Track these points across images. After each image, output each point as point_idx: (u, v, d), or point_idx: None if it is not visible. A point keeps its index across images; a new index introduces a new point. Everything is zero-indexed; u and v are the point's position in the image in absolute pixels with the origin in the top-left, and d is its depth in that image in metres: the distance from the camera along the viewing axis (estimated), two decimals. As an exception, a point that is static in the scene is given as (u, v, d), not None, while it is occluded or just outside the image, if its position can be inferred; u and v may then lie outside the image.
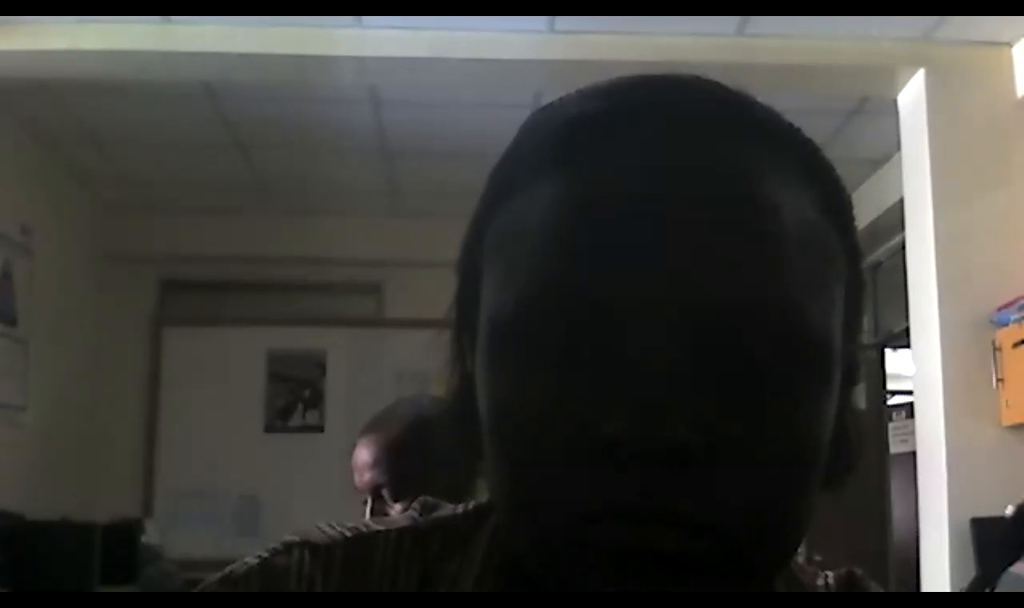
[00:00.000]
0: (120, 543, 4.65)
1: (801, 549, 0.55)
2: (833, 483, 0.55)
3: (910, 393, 4.45)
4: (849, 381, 0.56)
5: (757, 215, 0.49)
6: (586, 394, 0.48)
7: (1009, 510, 3.14)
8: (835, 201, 0.55)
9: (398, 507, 1.82)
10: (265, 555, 0.59)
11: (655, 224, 0.48)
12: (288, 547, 0.60)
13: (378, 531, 0.60)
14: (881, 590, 0.63)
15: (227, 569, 0.60)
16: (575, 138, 0.52)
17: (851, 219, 0.56)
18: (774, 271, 0.49)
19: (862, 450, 0.57)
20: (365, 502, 1.90)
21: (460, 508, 0.62)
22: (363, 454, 1.88)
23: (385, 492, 1.84)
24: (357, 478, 1.90)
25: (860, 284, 0.56)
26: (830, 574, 0.63)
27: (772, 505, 0.49)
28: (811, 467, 0.50)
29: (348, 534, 0.60)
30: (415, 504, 0.67)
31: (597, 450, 0.47)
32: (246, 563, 0.59)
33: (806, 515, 0.51)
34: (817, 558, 0.61)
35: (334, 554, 0.59)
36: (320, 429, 5.90)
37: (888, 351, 5.64)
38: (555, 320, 0.49)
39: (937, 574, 3.57)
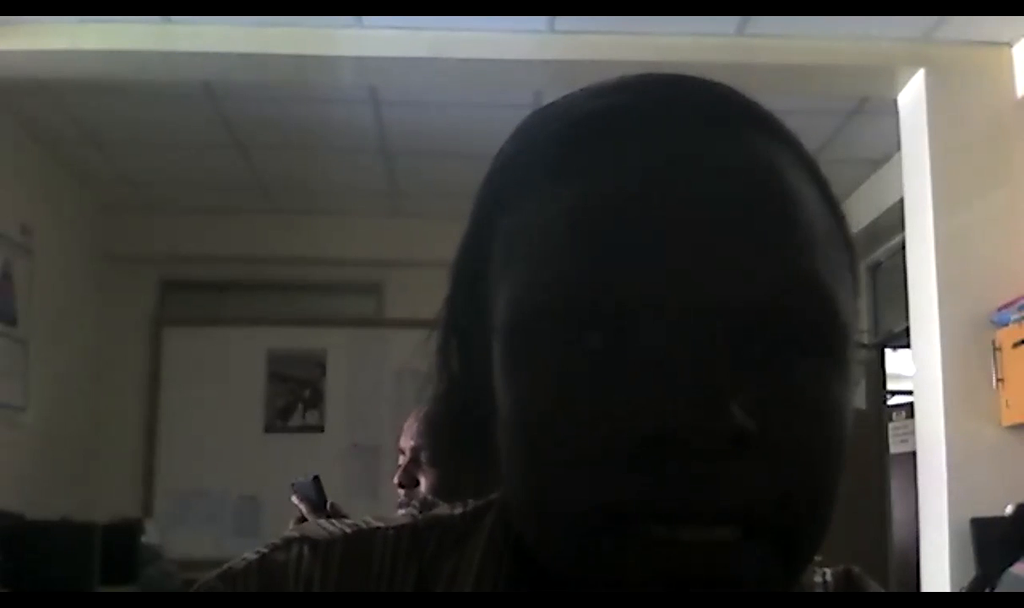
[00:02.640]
0: (120, 543, 4.65)
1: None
2: None
3: (910, 393, 4.45)
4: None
5: (776, 205, 0.50)
6: (622, 394, 0.48)
7: (1009, 509, 3.14)
8: (832, 199, 0.56)
9: (431, 473, 2.03)
10: (265, 551, 0.59)
11: (677, 222, 0.48)
12: (288, 543, 0.59)
13: (377, 528, 0.60)
14: (879, 587, 0.63)
15: (226, 565, 0.59)
16: (585, 138, 0.52)
17: (844, 219, 0.56)
18: (801, 259, 0.49)
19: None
20: (400, 465, 2.16)
21: (458, 507, 0.62)
22: (412, 418, 2.14)
23: (423, 455, 2.05)
24: (402, 440, 2.17)
25: (857, 282, 0.56)
26: (828, 571, 0.62)
27: (815, 494, 0.50)
28: (841, 455, 0.51)
29: (348, 531, 0.60)
30: (415, 502, 0.68)
31: (636, 449, 0.47)
32: (245, 559, 0.59)
33: (836, 498, 0.52)
34: (817, 558, 0.62)
35: (333, 550, 0.58)
36: (320, 429, 5.90)
37: (888, 351, 5.64)
38: (584, 321, 0.49)
39: (937, 574, 3.57)
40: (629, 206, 0.49)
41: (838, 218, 0.55)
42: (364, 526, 0.61)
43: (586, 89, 0.55)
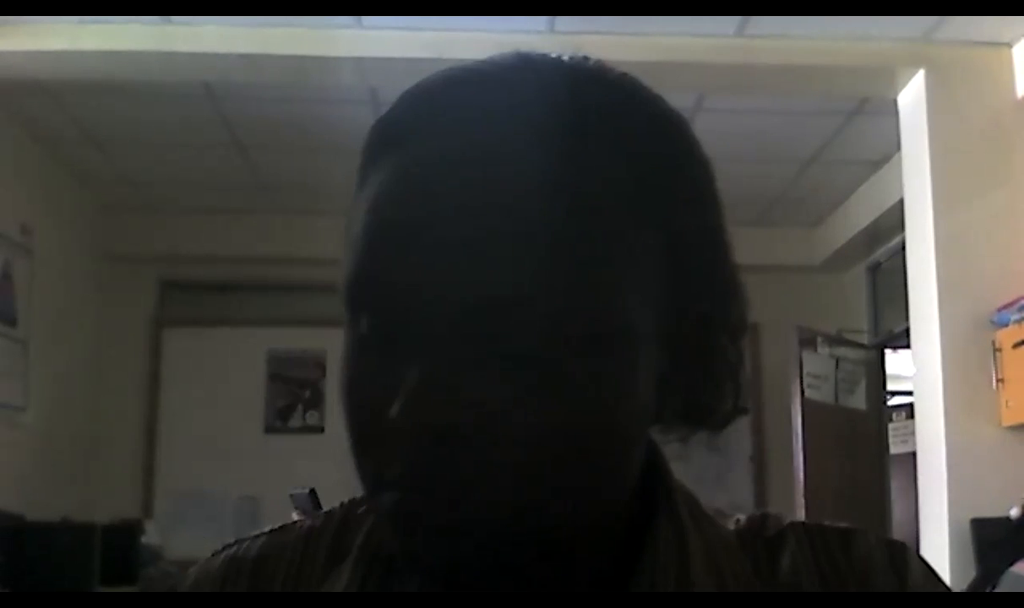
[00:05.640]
0: (120, 543, 4.65)
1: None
2: (704, 426, 0.60)
3: (910, 393, 4.46)
4: (706, 335, 0.58)
5: (510, 210, 0.52)
6: (369, 378, 0.53)
7: (1014, 511, 3.14)
8: (651, 168, 0.56)
9: None
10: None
11: (436, 220, 0.52)
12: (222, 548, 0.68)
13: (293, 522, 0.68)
14: (925, 566, 0.63)
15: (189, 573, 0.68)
16: (379, 139, 0.57)
17: (672, 177, 0.57)
18: (535, 262, 0.51)
19: (731, 395, 0.59)
20: None
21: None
22: None
23: None
24: None
25: (694, 240, 0.57)
26: (742, 517, 0.64)
27: (540, 474, 0.51)
28: (577, 431, 0.52)
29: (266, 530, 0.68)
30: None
31: (385, 428, 0.51)
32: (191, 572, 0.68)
33: (590, 473, 0.53)
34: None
35: (256, 541, 0.66)
36: (320, 429, 5.90)
37: (888, 351, 5.64)
38: (358, 309, 0.55)
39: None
40: (402, 202, 0.53)
41: (652, 182, 0.56)
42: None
43: (423, 82, 0.58)
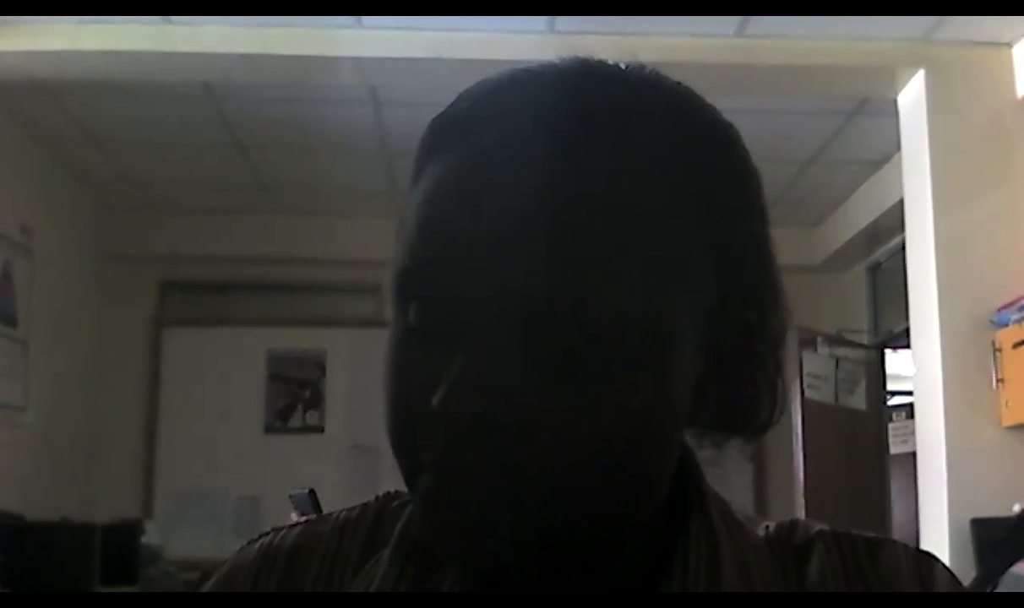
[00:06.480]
0: (120, 543, 4.65)
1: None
2: (737, 433, 0.60)
3: (910, 393, 4.46)
4: (749, 342, 0.59)
5: (580, 211, 0.53)
6: (415, 368, 0.54)
7: (1016, 507, 3.14)
8: (707, 177, 0.57)
9: None
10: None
11: (486, 217, 0.53)
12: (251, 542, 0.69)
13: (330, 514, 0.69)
14: (952, 578, 0.63)
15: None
16: (438, 137, 0.58)
17: (725, 187, 0.58)
18: (585, 263, 0.52)
19: (772, 404, 0.60)
20: None
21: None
22: None
23: None
24: None
25: (744, 251, 0.58)
26: (771, 524, 0.64)
27: (569, 471, 0.52)
28: (615, 431, 0.53)
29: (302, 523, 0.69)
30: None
31: (425, 415, 0.52)
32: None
33: (627, 471, 0.54)
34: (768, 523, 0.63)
35: (287, 537, 0.67)
36: (320, 429, 5.90)
37: (888, 351, 5.64)
38: (407, 299, 0.56)
39: (937, 574, 3.56)
40: (457, 197, 0.54)
41: (707, 191, 0.57)
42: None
43: (464, 91, 0.59)
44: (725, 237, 0.57)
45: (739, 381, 0.59)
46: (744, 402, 0.59)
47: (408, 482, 0.56)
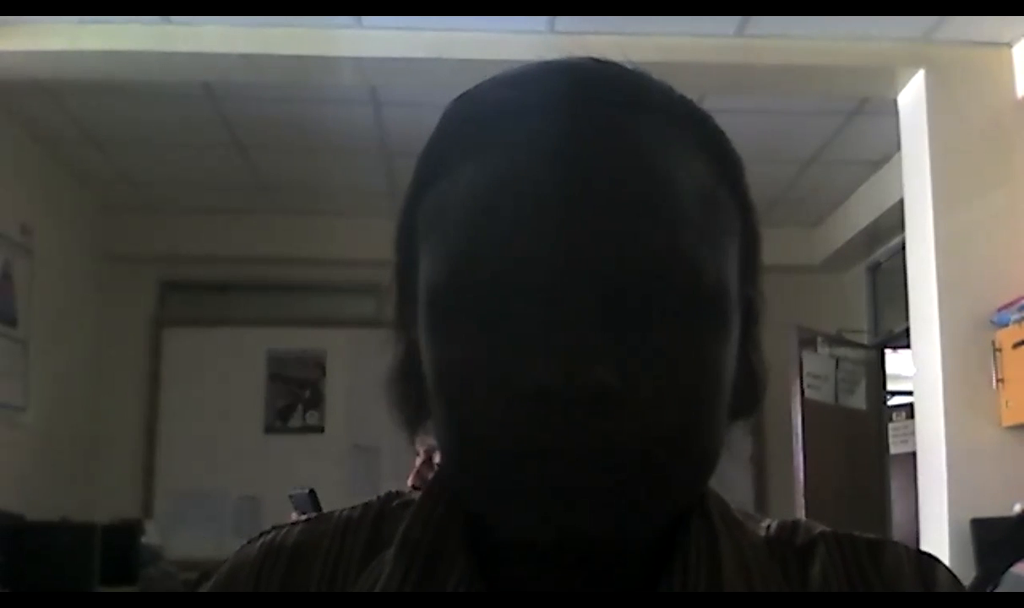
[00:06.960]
0: (120, 543, 4.65)
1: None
2: (742, 413, 0.61)
3: (910, 393, 4.46)
4: (751, 321, 0.61)
5: (653, 181, 0.55)
6: (514, 351, 0.53)
7: (1017, 507, 3.14)
8: (726, 164, 0.60)
9: None
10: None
11: (561, 196, 0.54)
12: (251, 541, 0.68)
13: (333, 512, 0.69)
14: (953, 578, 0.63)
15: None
16: (489, 122, 0.58)
17: (741, 179, 0.61)
18: (670, 230, 0.54)
19: (767, 383, 0.62)
20: (414, 466, 2.23)
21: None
22: None
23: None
24: (418, 440, 2.42)
25: (754, 235, 0.61)
26: (772, 524, 0.65)
27: (680, 435, 0.54)
28: (713, 399, 0.56)
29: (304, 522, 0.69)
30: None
31: (527, 398, 0.52)
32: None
33: (714, 441, 0.57)
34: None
35: (292, 530, 0.67)
36: (320, 429, 5.91)
37: (888, 351, 5.64)
38: (481, 286, 0.54)
39: (937, 574, 3.56)
40: (515, 185, 0.55)
41: (730, 180, 0.60)
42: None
43: (496, 77, 0.61)
44: (748, 222, 0.60)
45: (750, 362, 0.61)
46: (751, 382, 0.61)
47: (492, 473, 0.54)
